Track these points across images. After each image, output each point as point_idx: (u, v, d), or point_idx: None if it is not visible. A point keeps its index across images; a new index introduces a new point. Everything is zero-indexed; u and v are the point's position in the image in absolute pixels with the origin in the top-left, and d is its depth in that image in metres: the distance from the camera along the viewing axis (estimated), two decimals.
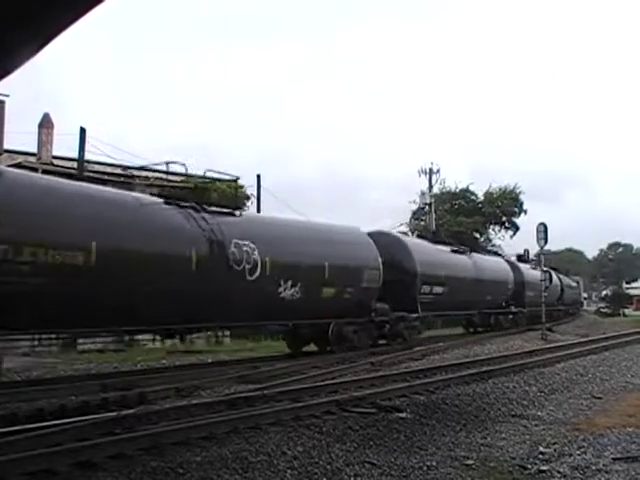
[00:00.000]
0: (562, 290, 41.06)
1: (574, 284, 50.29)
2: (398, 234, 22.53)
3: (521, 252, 38.16)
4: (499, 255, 34.98)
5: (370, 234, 19.87)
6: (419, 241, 24.45)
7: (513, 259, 35.19)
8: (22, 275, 9.89)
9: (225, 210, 14.64)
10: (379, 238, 19.94)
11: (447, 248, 25.24)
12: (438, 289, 22.16)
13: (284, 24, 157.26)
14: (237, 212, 14.98)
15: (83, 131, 19.35)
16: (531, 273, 33.32)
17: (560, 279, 41.15)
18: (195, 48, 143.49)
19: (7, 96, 20.23)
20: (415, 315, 20.44)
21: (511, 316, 30.05)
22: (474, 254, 27.22)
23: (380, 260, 18.47)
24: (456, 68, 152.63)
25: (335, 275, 16.53)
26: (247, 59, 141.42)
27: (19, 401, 9.17)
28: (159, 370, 13.70)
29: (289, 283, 14.99)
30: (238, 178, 28.16)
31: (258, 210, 24.92)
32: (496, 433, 7.64)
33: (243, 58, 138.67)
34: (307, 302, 15.45)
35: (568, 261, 76.84)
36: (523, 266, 33.32)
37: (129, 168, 24.77)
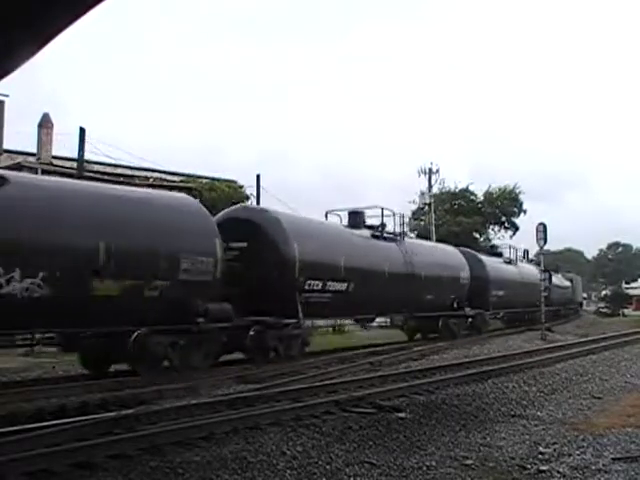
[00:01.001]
0: (548, 289, 37.84)
1: (566, 282, 46.09)
2: (273, 209, 16.56)
3: (493, 244, 34.80)
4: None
5: (226, 212, 15.55)
6: (308, 220, 17.94)
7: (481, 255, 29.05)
8: None
9: None
10: (233, 214, 15.32)
11: (366, 232, 19.38)
12: (337, 285, 16.51)
13: (284, 25, 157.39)
14: None
15: (83, 131, 19.35)
16: (500, 268, 28.58)
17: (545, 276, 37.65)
18: (195, 48, 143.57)
19: (7, 96, 20.24)
20: (294, 321, 14.91)
21: (470, 319, 24.65)
22: (409, 241, 22.09)
23: (219, 243, 13.16)
24: (456, 68, 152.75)
25: (122, 261, 11.24)
26: (246, 60, 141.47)
27: (19, 401, 9.17)
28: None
29: (17, 272, 9.92)
30: (235, 181, 28.26)
31: None
32: (495, 433, 7.64)
33: (242, 59, 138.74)
34: (62, 302, 10.44)
35: (568, 261, 76.90)
36: (489, 259, 28.22)
37: (129, 168, 24.85)
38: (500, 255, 31.42)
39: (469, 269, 24.61)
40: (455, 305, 23.47)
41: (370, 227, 19.86)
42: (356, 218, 19.42)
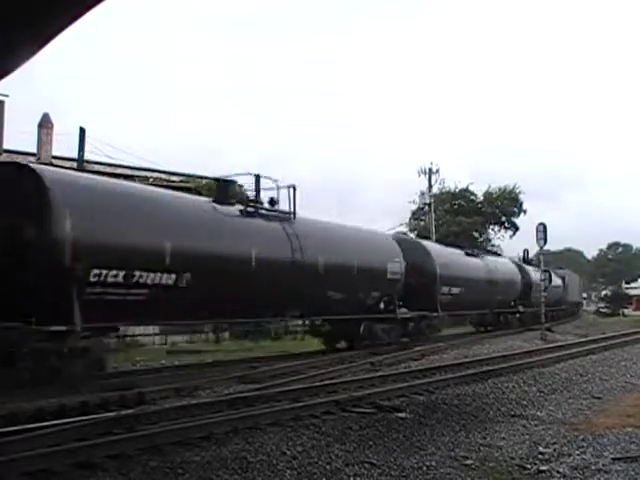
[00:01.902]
0: (528, 287, 30.55)
1: (556, 280, 38.62)
2: (37, 165, 12.71)
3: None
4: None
5: None
6: (111, 186, 12.71)
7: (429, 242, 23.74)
8: None
9: None
10: None
11: (234, 208, 14.59)
12: (157, 278, 11.72)
13: (284, 26, 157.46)
14: None
15: (82, 131, 19.34)
16: (455, 261, 23.64)
17: (524, 272, 31.11)
18: (195, 49, 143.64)
19: (7, 96, 20.22)
20: (62, 328, 10.27)
21: (412, 324, 19.71)
22: (306, 221, 16.43)
23: None
24: (456, 68, 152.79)
25: None
26: (246, 61, 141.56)
27: (19, 401, 9.17)
28: (158, 370, 13.71)
29: None
30: (235, 182, 28.22)
31: None
32: (495, 433, 7.64)
33: (242, 60, 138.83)
34: None
35: (568, 261, 76.90)
36: (439, 249, 23.35)
37: (129, 168, 24.85)
38: (457, 246, 26.47)
39: (404, 260, 19.49)
40: (382, 306, 18.70)
41: (241, 202, 15.38)
42: (225, 190, 15.20)
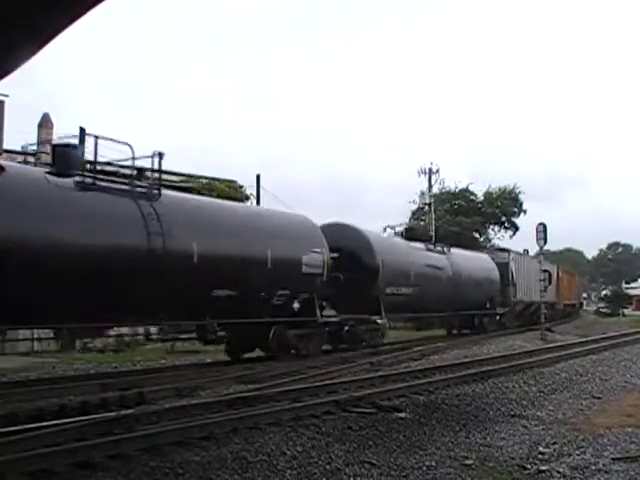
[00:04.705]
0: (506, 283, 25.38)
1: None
2: None
3: None
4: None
5: None
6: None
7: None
8: None
9: None
10: None
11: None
12: None
13: (284, 28, 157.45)
14: None
15: (82, 131, 19.30)
16: (404, 256, 19.72)
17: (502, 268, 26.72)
18: (197, 50, 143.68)
19: (7, 96, 20.20)
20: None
21: (345, 329, 17.06)
22: (175, 196, 13.38)
23: None
24: (456, 69, 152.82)
25: None
26: (246, 61, 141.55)
27: (19, 401, 9.17)
28: (159, 370, 13.70)
29: None
30: (235, 181, 28.21)
31: None
32: (495, 433, 7.64)
33: (241, 61, 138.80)
34: None
35: (568, 261, 76.89)
36: (381, 240, 19.41)
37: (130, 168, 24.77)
38: None
39: (331, 250, 16.16)
40: (295, 306, 15.25)
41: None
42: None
